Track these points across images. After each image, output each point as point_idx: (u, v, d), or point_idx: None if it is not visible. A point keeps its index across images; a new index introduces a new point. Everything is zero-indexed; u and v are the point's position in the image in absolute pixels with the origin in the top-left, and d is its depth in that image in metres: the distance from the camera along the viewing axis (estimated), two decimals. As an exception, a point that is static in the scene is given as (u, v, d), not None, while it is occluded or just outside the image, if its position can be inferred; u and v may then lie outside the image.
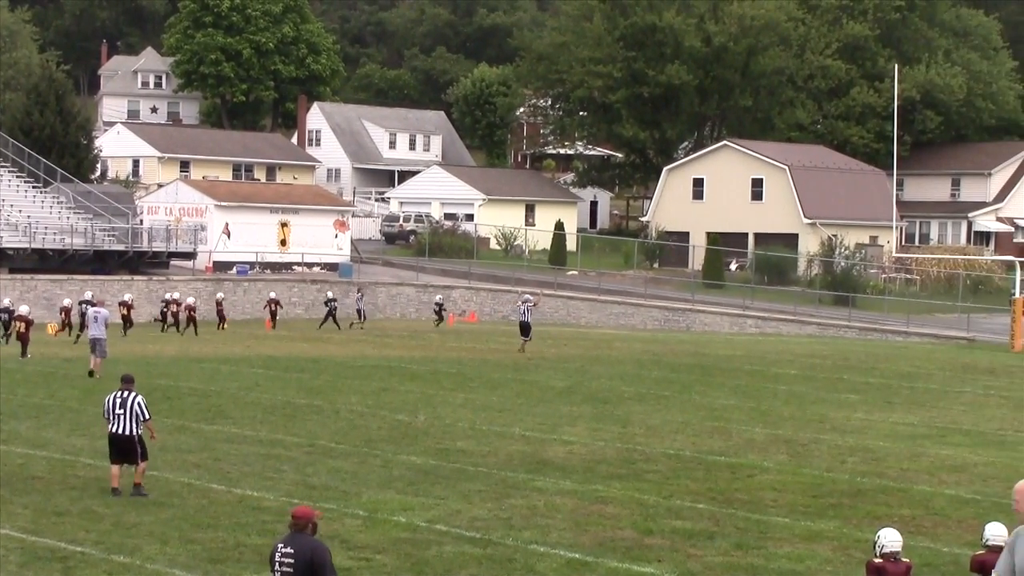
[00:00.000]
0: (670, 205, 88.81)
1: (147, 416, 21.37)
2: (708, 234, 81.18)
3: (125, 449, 21.28)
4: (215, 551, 18.01)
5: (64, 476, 22.93)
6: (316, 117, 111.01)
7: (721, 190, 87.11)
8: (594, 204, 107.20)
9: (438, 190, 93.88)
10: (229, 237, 74.26)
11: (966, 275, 75.85)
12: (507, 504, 21.35)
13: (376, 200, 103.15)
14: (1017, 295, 56.56)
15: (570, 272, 79.70)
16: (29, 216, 65.36)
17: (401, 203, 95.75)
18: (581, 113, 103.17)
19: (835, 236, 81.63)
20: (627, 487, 23.03)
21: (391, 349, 48.79)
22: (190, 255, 70.03)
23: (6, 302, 50.89)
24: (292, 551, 11.72)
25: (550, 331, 61.12)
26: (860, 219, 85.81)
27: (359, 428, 29.13)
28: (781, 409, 34.22)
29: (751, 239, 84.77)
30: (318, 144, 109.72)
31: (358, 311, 62.53)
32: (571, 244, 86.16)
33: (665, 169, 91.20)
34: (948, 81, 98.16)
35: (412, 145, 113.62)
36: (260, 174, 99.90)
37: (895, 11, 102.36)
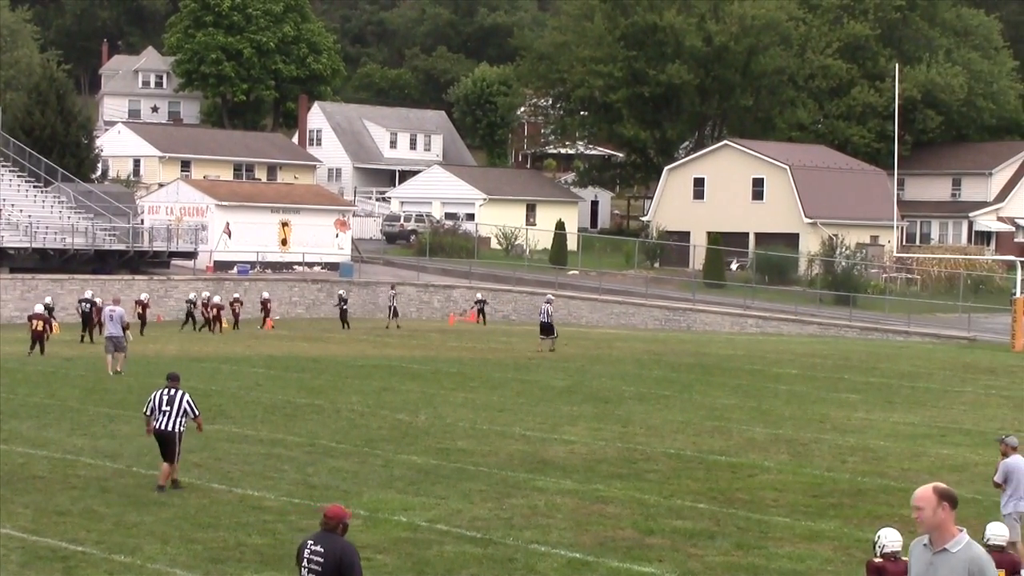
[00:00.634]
0: (671, 205, 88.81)
1: (196, 413, 21.87)
2: (709, 234, 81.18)
3: (169, 445, 21.66)
4: (216, 551, 18.01)
5: (65, 476, 22.94)
6: (317, 117, 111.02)
7: (722, 190, 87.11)
8: (595, 204, 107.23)
9: (439, 190, 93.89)
10: (230, 237, 74.26)
11: (967, 275, 75.84)
12: (508, 504, 21.35)
13: (377, 200, 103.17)
14: (1018, 295, 56.54)
15: (571, 272, 79.71)
16: (30, 216, 65.35)
17: (402, 203, 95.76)
18: (582, 113, 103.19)
19: (836, 236, 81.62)
20: (628, 487, 23.03)
21: (392, 349, 48.79)
22: (191, 255, 70.02)
23: (88, 294, 52.56)
24: (322, 550, 11.75)
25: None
26: (861, 219, 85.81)
27: (360, 428, 29.13)
28: (782, 409, 34.22)
29: (752, 239, 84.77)
30: (319, 144, 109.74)
31: (391, 309, 61.94)
32: (572, 244, 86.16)
33: (666, 169, 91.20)
34: (949, 81, 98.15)
35: (413, 145, 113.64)
36: (261, 174, 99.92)
37: (896, 10, 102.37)
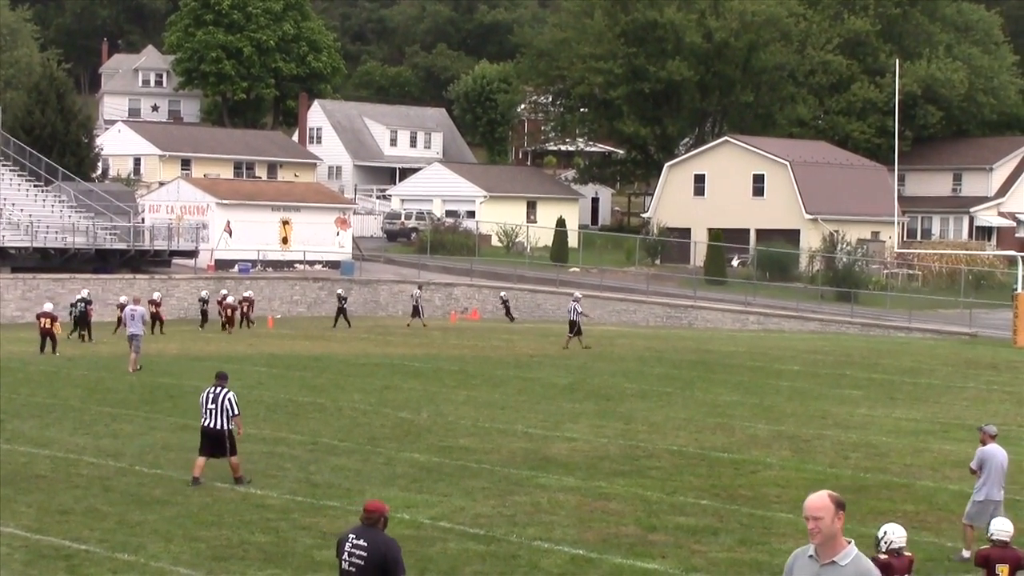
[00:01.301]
0: (671, 201, 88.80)
1: (236, 412, 22.19)
2: (710, 230, 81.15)
3: (215, 442, 22.06)
4: (219, 549, 18.02)
5: (68, 475, 22.96)
6: (317, 115, 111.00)
7: (722, 186, 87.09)
8: (595, 201, 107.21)
9: (439, 187, 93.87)
10: (231, 235, 74.23)
11: (968, 270, 75.81)
12: (510, 501, 21.36)
13: (377, 197, 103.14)
14: (1019, 290, 56.52)
15: (572, 269, 79.68)
16: (31, 215, 65.33)
17: (402, 200, 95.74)
18: (582, 109, 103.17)
19: (837, 232, 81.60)
20: (630, 484, 23.04)
21: (393, 347, 48.79)
22: (192, 253, 69.99)
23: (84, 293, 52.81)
24: (365, 544, 11.76)
25: (552, 328, 61.13)
26: (862, 215, 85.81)
27: (362, 426, 29.14)
28: (784, 405, 34.22)
29: (753, 235, 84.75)
30: (319, 142, 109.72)
31: (415, 308, 61.91)
32: (573, 241, 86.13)
33: (666, 165, 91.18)
34: (949, 76, 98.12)
35: (413, 142, 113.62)
36: (261, 172, 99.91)
37: (896, 6, 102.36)
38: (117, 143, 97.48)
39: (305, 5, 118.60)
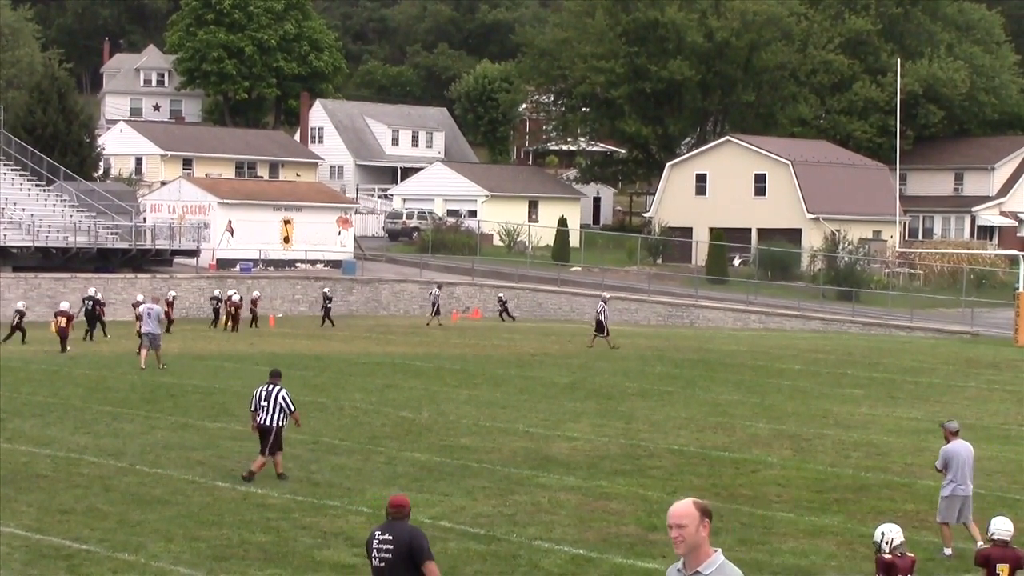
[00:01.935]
0: (673, 201, 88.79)
1: (292, 409, 22.63)
2: (711, 229, 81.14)
3: (265, 438, 22.46)
4: (219, 548, 18.02)
5: (68, 474, 22.95)
6: (319, 114, 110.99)
7: (724, 185, 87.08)
8: (597, 200, 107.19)
9: (441, 187, 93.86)
10: (232, 235, 74.23)
11: (970, 270, 75.81)
12: (511, 500, 21.36)
13: (379, 197, 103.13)
14: (1021, 289, 56.50)
15: (573, 268, 79.68)
16: (32, 214, 65.31)
17: (404, 200, 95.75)
18: (584, 109, 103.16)
19: (838, 231, 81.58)
20: (631, 483, 23.04)
21: (395, 346, 48.79)
22: (193, 253, 69.99)
23: (91, 291, 53.05)
24: (390, 537, 11.92)
25: (553, 327, 61.16)
26: (863, 214, 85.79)
27: (363, 425, 29.14)
28: (785, 404, 34.22)
29: (754, 234, 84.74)
30: (321, 141, 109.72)
31: (435, 307, 61.93)
32: (574, 240, 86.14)
33: (668, 165, 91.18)
34: (951, 75, 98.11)
35: (415, 142, 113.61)
36: (263, 171, 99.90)
37: (897, 5, 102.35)
38: (119, 143, 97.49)
39: (306, 4, 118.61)
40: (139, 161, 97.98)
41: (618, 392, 35.87)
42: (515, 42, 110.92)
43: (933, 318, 64.94)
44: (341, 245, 77.39)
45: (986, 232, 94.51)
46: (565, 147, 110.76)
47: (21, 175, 70.44)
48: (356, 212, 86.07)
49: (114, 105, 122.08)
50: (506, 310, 66.31)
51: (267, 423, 22.37)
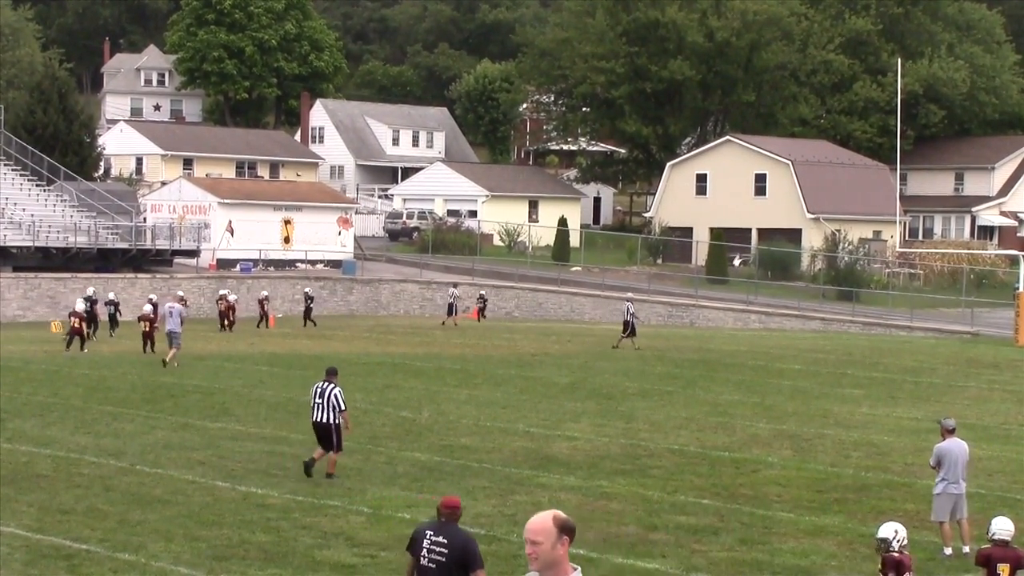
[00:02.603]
0: (673, 201, 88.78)
1: (343, 407, 22.62)
2: (711, 229, 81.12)
3: (322, 436, 22.71)
4: (220, 548, 18.01)
5: (69, 474, 22.94)
6: (319, 114, 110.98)
7: (724, 185, 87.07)
8: (597, 200, 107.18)
9: (441, 187, 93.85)
10: (232, 235, 74.23)
11: (970, 269, 75.81)
12: (511, 500, 21.36)
13: (379, 197, 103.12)
14: (1021, 289, 56.51)
15: (574, 268, 79.68)
16: (33, 214, 65.32)
17: (404, 200, 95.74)
18: (584, 109, 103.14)
19: (839, 231, 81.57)
20: (631, 483, 23.04)
21: (395, 346, 48.78)
22: (193, 253, 69.99)
23: (111, 295, 53.55)
24: (445, 540, 11.84)
25: (553, 327, 61.16)
26: (864, 214, 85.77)
27: (363, 425, 29.12)
28: (785, 404, 34.22)
29: (754, 234, 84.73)
30: (321, 141, 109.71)
31: (451, 306, 61.73)
32: (575, 240, 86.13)
33: (668, 165, 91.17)
34: (951, 75, 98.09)
35: (415, 142, 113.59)
36: (263, 171, 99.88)
37: (898, 5, 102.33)
38: (119, 143, 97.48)
39: (307, 4, 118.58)
40: (139, 161, 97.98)
41: (618, 392, 35.87)
42: (515, 42, 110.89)
43: (933, 318, 64.94)
44: (341, 245, 77.38)
45: (986, 232, 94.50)
46: (565, 147, 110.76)
47: (21, 175, 70.43)
48: (356, 212, 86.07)
49: (114, 105, 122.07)
50: (482, 310, 64.88)
51: (322, 420, 22.63)
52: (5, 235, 63.61)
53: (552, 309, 69.83)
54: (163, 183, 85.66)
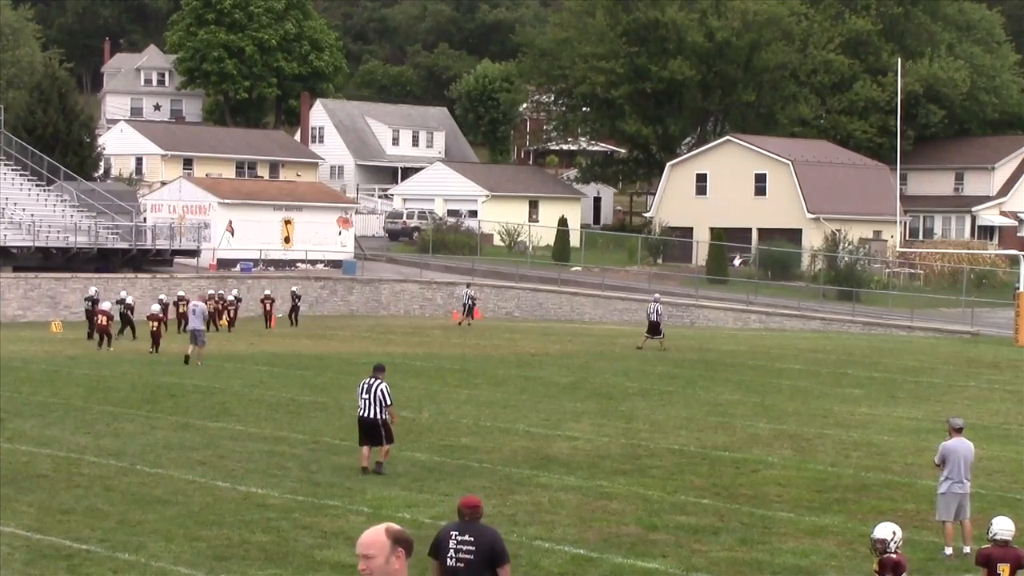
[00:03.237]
0: (673, 201, 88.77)
1: (389, 402, 23.09)
2: (712, 229, 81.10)
3: (370, 431, 23.09)
4: (220, 548, 18.01)
5: (69, 474, 22.94)
6: (319, 114, 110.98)
7: (724, 185, 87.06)
8: (597, 200, 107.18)
9: (441, 187, 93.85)
10: (233, 235, 74.23)
11: (970, 269, 75.81)
12: (511, 500, 21.35)
13: (379, 197, 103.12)
14: (1021, 289, 56.49)
15: (574, 268, 79.68)
16: (33, 214, 65.32)
17: (404, 200, 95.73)
18: (584, 109, 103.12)
19: (839, 231, 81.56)
20: (631, 483, 23.03)
21: (395, 346, 48.77)
22: (194, 253, 69.99)
23: (123, 295, 53.57)
24: (472, 539, 11.85)
25: (553, 327, 61.14)
26: (864, 214, 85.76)
27: (363, 425, 29.11)
28: (785, 404, 34.21)
29: (755, 234, 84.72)
30: (321, 141, 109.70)
31: (466, 306, 61.47)
32: (575, 240, 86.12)
33: (668, 165, 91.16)
34: (951, 75, 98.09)
35: (415, 142, 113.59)
36: (263, 171, 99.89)
37: (898, 5, 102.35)
38: (119, 142, 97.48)
39: (307, 4, 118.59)
40: (139, 161, 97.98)
41: (618, 392, 35.87)
42: (515, 42, 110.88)
43: (933, 318, 64.94)
44: (341, 245, 77.38)
45: (986, 232, 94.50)
46: (565, 147, 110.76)
47: (21, 175, 70.44)
48: (356, 212, 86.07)
49: (114, 105, 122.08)
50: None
51: (369, 416, 22.97)
52: (5, 235, 63.61)
53: (552, 309, 69.82)
54: (163, 183, 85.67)
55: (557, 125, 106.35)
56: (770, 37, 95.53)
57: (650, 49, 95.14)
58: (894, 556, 14.30)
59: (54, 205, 68.77)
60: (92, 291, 53.15)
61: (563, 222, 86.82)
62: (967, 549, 18.21)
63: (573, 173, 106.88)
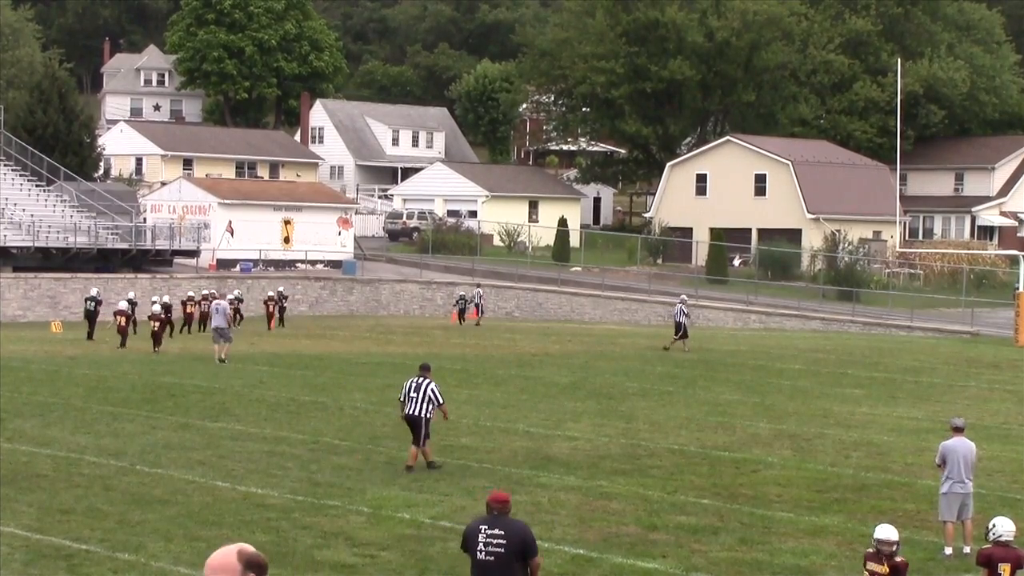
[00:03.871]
0: (673, 201, 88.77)
1: (440, 401, 23.73)
2: (711, 230, 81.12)
3: (415, 428, 23.51)
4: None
5: (69, 474, 22.93)
6: (319, 114, 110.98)
7: (724, 185, 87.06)
8: (597, 200, 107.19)
9: (441, 187, 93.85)
10: (232, 235, 74.24)
11: (970, 269, 75.81)
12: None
13: (379, 197, 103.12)
14: (1021, 289, 56.51)
15: (574, 268, 79.69)
16: (33, 215, 65.33)
17: (404, 200, 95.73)
18: (584, 109, 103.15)
19: (839, 231, 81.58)
20: (631, 483, 23.03)
21: (395, 346, 48.77)
22: (194, 253, 70.00)
23: (93, 291, 53.42)
24: (502, 532, 11.97)
25: (553, 327, 61.13)
26: (864, 214, 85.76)
27: (363, 425, 29.14)
28: (785, 404, 34.21)
29: (754, 234, 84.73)
30: (321, 141, 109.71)
31: (477, 306, 61.37)
32: (575, 240, 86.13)
33: (668, 165, 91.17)
34: (951, 75, 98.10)
35: (415, 142, 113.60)
36: (263, 172, 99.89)
37: (897, 5, 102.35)
38: (119, 143, 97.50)
39: (307, 4, 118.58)
40: (139, 161, 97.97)
41: (618, 392, 35.87)
42: (515, 42, 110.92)
43: (933, 318, 64.94)
44: (341, 245, 77.39)
45: (986, 232, 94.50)
46: (565, 147, 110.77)
47: (21, 175, 70.44)
48: (356, 212, 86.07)
49: (114, 105, 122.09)
50: (461, 313, 62.22)
51: (415, 413, 23.34)
52: (5, 235, 63.62)
53: (552, 309, 69.81)
54: (163, 183, 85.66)
55: (557, 125, 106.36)
56: (770, 37, 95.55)
57: (650, 49, 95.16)
58: (898, 559, 14.31)
59: (54, 205, 68.77)
60: (94, 291, 53.14)
61: (563, 222, 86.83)
62: (967, 549, 18.21)
63: (573, 173, 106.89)
